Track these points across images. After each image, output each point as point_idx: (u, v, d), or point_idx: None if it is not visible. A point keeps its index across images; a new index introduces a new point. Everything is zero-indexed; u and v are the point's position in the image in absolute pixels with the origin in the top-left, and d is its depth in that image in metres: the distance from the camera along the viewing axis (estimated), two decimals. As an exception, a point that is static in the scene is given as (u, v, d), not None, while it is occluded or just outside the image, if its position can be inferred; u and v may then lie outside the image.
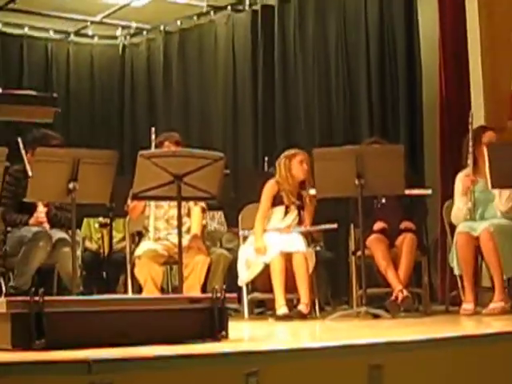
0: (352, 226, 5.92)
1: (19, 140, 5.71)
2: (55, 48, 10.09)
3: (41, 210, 5.71)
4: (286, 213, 5.99)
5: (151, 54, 10.16)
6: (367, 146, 6.15)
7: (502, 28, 6.98)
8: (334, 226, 5.95)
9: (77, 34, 10.18)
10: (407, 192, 5.66)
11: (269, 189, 6.04)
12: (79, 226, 6.61)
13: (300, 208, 5.98)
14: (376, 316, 5.32)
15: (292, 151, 6.17)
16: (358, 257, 5.72)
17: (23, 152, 5.62)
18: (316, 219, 6.04)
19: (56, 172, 5.05)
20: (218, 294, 3.33)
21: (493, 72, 7.06)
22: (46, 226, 5.69)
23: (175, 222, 5.26)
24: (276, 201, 6.00)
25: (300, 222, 5.93)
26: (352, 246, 5.98)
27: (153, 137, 6.05)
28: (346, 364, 2.97)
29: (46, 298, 2.90)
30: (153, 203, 5.86)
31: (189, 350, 2.90)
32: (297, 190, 6.02)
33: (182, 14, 9.67)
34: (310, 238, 5.92)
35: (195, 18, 9.67)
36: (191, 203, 5.77)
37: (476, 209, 5.69)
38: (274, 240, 5.77)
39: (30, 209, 5.69)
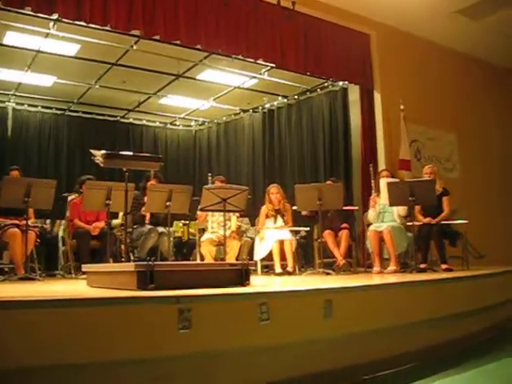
0: (315, 226, 5.90)
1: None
2: (159, 132, 10.14)
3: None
4: (275, 221, 5.93)
5: (210, 135, 10.14)
6: (326, 183, 6.10)
7: (394, 122, 7.03)
8: (307, 228, 5.98)
9: (171, 124, 10.21)
10: (345, 208, 5.63)
11: (262, 210, 6.02)
12: (172, 225, 6.61)
13: (282, 216, 5.93)
14: (328, 273, 5.28)
15: (269, 187, 6.12)
16: (318, 242, 5.68)
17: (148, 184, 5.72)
18: (298, 223, 6.04)
19: (160, 197, 5.08)
20: (245, 262, 3.35)
21: (389, 145, 7.09)
22: None
23: (222, 223, 5.25)
24: (268, 215, 5.95)
25: (285, 223, 5.90)
26: (315, 236, 5.94)
27: (210, 178, 6.08)
28: (313, 298, 2.98)
29: (155, 262, 2.92)
30: (210, 213, 5.85)
31: (230, 290, 2.91)
32: (277, 207, 5.94)
33: (226, 113, 9.67)
34: (293, 232, 5.90)
35: (233, 115, 9.67)
36: (231, 213, 5.75)
37: (380, 216, 5.69)
38: (274, 233, 5.74)
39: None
